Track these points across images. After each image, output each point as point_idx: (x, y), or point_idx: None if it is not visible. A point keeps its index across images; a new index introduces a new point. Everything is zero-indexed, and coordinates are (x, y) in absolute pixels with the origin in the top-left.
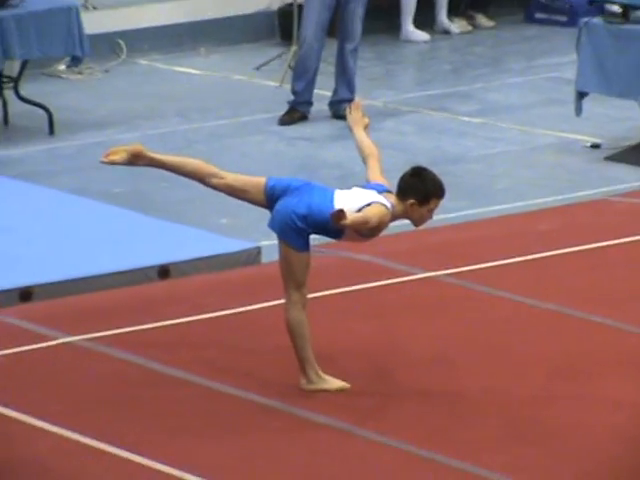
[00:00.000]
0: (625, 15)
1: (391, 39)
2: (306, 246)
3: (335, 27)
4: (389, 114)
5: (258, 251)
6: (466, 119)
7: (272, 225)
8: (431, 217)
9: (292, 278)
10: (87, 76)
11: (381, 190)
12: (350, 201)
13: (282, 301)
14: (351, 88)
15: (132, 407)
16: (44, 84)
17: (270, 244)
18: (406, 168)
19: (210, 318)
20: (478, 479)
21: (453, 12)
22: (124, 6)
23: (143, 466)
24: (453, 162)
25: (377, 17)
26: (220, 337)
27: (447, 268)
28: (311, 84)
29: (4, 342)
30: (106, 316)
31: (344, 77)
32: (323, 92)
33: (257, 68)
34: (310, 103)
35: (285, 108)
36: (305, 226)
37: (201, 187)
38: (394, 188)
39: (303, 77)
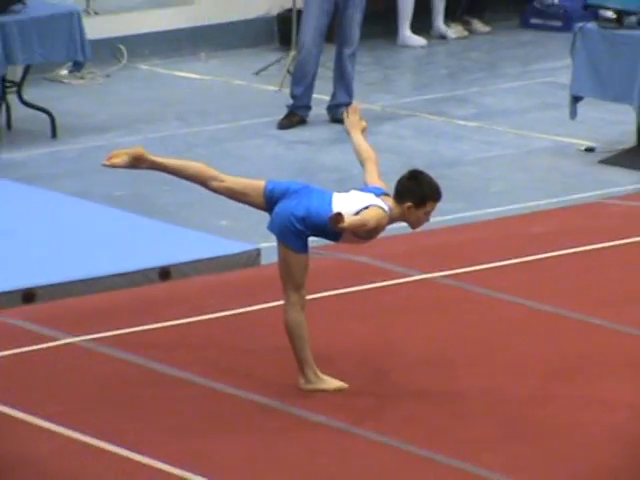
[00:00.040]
0: (619, 20)
1: (388, 44)
2: (305, 248)
3: (333, 32)
4: (387, 118)
5: (257, 253)
6: (462, 123)
7: (271, 227)
8: (428, 220)
9: (291, 280)
10: (89, 81)
11: (379, 193)
12: (348, 204)
13: (281, 302)
14: (349, 92)
15: (133, 407)
16: (46, 89)
17: (269, 246)
18: (403, 171)
19: (210, 319)
20: (477, 478)
21: (449, 17)
22: (125, 12)
23: (144, 465)
24: (449, 165)
25: (375, 22)
26: (220, 338)
27: (444, 270)
28: (310, 88)
29: (7, 343)
30: (107, 317)
31: (342, 82)
32: (321, 96)
33: (256, 73)
34: (309, 107)
35: (284, 112)
36: (304, 228)
37: (201, 190)
38: (392, 191)
39: (302, 82)
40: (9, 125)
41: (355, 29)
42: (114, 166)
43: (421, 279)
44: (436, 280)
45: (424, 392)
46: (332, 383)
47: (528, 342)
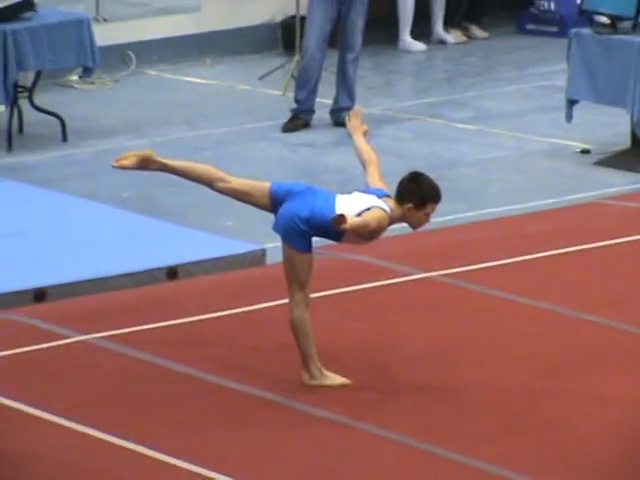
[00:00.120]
0: (613, 26)
1: (389, 49)
2: (309, 248)
3: (336, 38)
4: (388, 121)
5: (263, 253)
6: (461, 126)
7: (276, 228)
8: (428, 220)
9: (295, 279)
10: (98, 86)
11: (380, 195)
12: (350, 205)
13: (286, 301)
14: (351, 96)
15: (141, 402)
16: (57, 94)
17: (274, 246)
18: (404, 173)
19: (216, 317)
20: (475, 471)
21: (448, 23)
22: (134, 19)
23: (152, 459)
24: (449, 167)
25: (376, 28)
26: (226, 335)
27: (444, 269)
28: (313, 93)
29: (19, 341)
30: (117, 315)
31: (345, 86)
32: (324, 100)
33: (261, 78)
34: (312, 111)
35: (288, 116)
36: (307, 229)
37: (207, 191)
38: (393, 192)
39: (305, 86)
40: (21, 129)
41: (357, 35)
42: (123, 168)
43: (421, 278)
44: (436, 279)
45: (424, 387)
46: (335, 379)
47: (526, 339)
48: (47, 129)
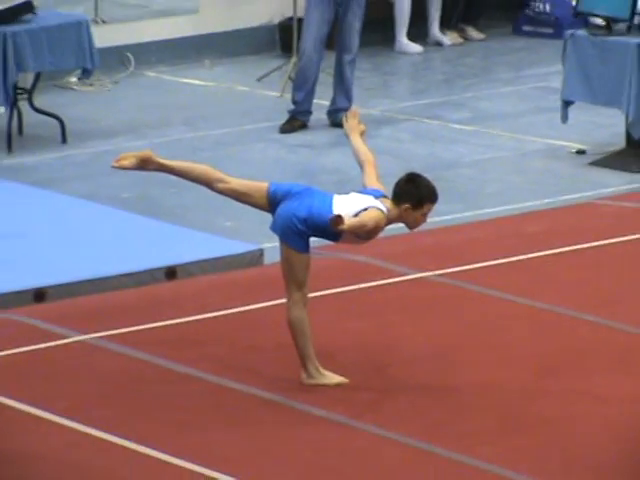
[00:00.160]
0: (608, 27)
1: (386, 51)
2: (306, 248)
3: (333, 40)
4: (385, 122)
5: (261, 253)
6: (458, 127)
7: (274, 228)
8: (425, 221)
9: (293, 278)
10: (97, 88)
11: (377, 195)
12: (348, 205)
13: (284, 300)
14: (349, 97)
15: (141, 402)
16: (56, 95)
17: (272, 246)
18: (401, 173)
19: (215, 317)
20: (475, 470)
21: (445, 25)
22: (132, 21)
23: (152, 458)
24: (446, 168)
25: (373, 30)
26: (225, 335)
27: (440, 268)
28: (310, 94)
29: (19, 341)
30: (116, 315)
31: (342, 87)
32: (322, 101)
33: (259, 79)
34: (310, 112)
35: (286, 117)
36: (305, 229)
37: (206, 192)
38: (390, 193)
39: (303, 87)
40: (21, 131)
41: (354, 36)
42: (122, 168)
43: (418, 278)
44: (433, 279)
45: (422, 387)
46: (333, 378)
47: (523, 338)
48: (47, 130)
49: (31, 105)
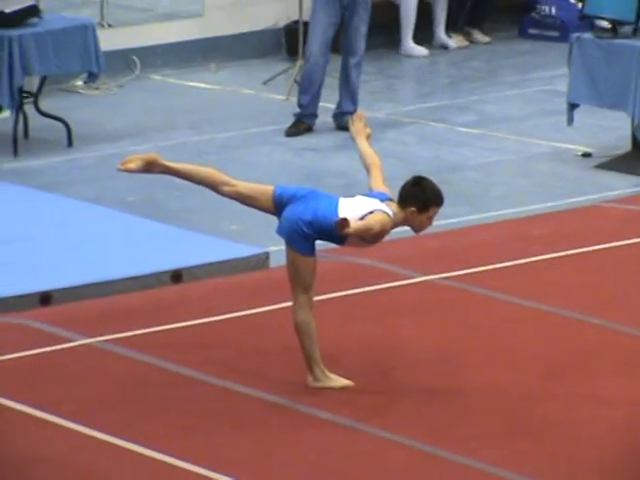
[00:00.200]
0: (614, 30)
1: (392, 54)
2: (312, 251)
3: (339, 43)
4: (391, 125)
5: (266, 256)
6: (464, 130)
7: (280, 231)
8: (431, 224)
9: (299, 281)
10: (103, 91)
11: (383, 198)
12: (354, 209)
13: (290, 304)
14: (354, 101)
15: (146, 405)
16: (62, 99)
17: (278, 249)
18: (407, 176)
19: (221, 320)
20: (480, 473)
21: (451, 28)
22: (138, 24)
23: (157, 461)
24: (452, 171)
25: (379, 33)
26: (230, 338)
27: (446, 271)
28: (316, 97)
29: (25, 344)
30: (122, 319)
31: (348, 90)
32: (328, 105)
33: (264, 82)
34: (315, 115)
35: (291, 120)
36: (311, 232)
37: (212, 195)
38: (396, 196)
39: (309, 91)
40: (26, 134)
41: (360, 40)
42: (128, 170)
43: (424, 281)
44: (438, 282)
45: (428, 390)
46: (339, 381)
47: (529, 341)
48: (52, 134)
49: (37, 109)
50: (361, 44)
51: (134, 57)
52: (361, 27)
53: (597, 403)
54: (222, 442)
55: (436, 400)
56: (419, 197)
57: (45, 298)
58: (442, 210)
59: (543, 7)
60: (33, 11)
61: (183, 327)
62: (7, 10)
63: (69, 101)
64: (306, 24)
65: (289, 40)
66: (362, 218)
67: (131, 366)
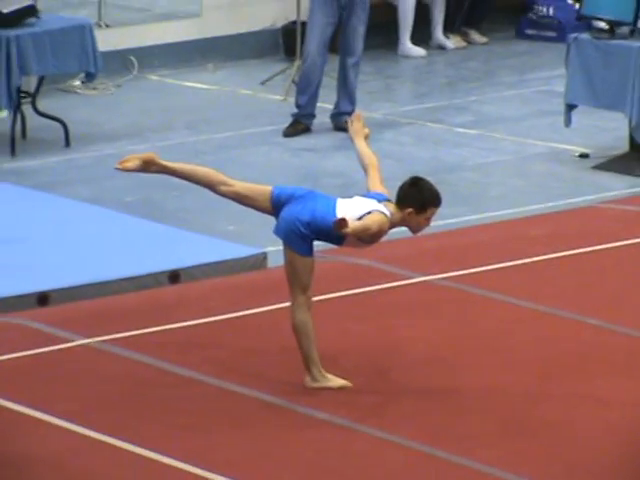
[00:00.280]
0: (611, 31)
1: (389, 54)
2: (310, 251)
3: (337, 43)
4: (388, 126)
5: (264, 256)
6: (461, 130)
7: (277, 231)
8: (428, 224)
9: (297, 282)
10: (100, 91)
11: (381, 199)
12: (351, 209)
13: (287, 304)
14: (352, 101)
15: (144, 405)
16: (60, 99)
17: (275, 250)
18: (405, 177)
19: (218, 320)
20: (477, 474)
21: (448, 29)
22: (135, 24)
23: (155, 461)
24: (449, 171)
25: (376, 34)
26: (228, 338)
27: (444, 272)
28: (314, 98)
29: (23, 344)
30: (119, 319)
31: (345, 91)
32: (325, 105)
33: (262, 83)
34: (313, 116)
35: (289, 121)
36: (309, 232)
37: (209, 195)
38: (393, 196)
39: (306, 91)
40: (24, 134)
41: (358, 40)
42: (126, 170)
43: (422, 281)
44: (436, 282)
45: (425, 390)
46: (336, 381)
47: (526, 342)
48: (50, 134)
49: (34, 109)
50: (359, 44)
51: (132, 57)
52: (359, 27)
53: (594, 404)
54: (220, 442)
55: (433, 400)
56: (417, 198)
57: (43, 298)
58: (440, 210)
59: (540, 8)
60: (31, 11)
61: (181, 327)
62: (5, 10)
63: (67, 101)
64: (304, 24)
65: (287, 40)
66: (360, 218)
67: (129, 366)
